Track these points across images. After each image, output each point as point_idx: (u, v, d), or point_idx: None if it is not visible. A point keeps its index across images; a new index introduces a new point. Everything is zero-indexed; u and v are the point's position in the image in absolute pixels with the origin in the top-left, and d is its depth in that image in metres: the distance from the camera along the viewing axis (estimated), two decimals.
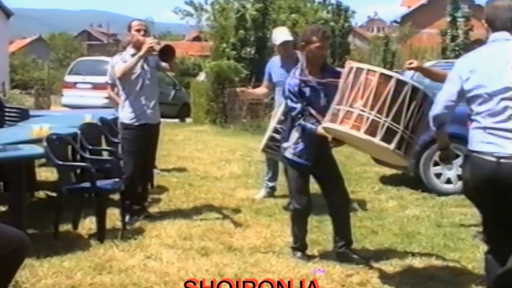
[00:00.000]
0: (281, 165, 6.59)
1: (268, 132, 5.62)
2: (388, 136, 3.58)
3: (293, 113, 4.35)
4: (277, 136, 5.51)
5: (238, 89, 7.05)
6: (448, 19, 22.97)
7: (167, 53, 5.27)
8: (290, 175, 4.58)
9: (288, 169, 4.60)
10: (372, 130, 3.57)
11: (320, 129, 4.13)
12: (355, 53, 23.71)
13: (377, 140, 3.56)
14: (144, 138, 5.51)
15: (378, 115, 3.57)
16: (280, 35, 6.43)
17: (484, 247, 4.95)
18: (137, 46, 5.45)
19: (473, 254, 4.82)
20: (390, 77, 3.66)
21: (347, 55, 19.87)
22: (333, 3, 20.36)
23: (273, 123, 5.62)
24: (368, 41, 36.84)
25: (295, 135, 4.44)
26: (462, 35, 22.12)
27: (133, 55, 5.43)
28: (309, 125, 4.27)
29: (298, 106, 4.30)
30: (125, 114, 5.48)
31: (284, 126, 4.70)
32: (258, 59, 16.15)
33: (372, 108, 3.58)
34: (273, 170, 6.69)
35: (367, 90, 3.62)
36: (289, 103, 4.38)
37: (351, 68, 3.79)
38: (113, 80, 5.68)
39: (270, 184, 6.71)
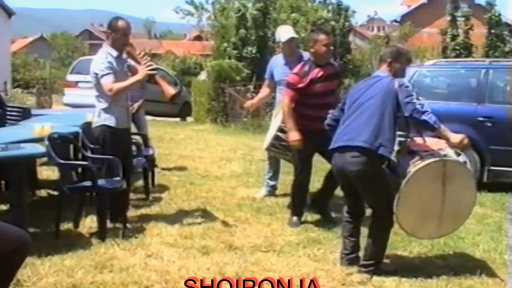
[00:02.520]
0: (282, 164, 6.62)
1: (273, 131, 5.63)
2: None
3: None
4: (283, 136, 5.53)
5: (244, 104, 7.08)
6: (448, 18, 22.96)
7: (174, 98, 5.39)
8: (391, 183, 4.22)
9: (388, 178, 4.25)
10: None
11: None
12: (356, 53, 23.70)
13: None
14: (125, 141, 5.48)
15: None
16: (285, 32, 6.48)
17: (484, 246, 4.99)
18: (119, 48, 5.25)
19: (473, 253, 4.84)
20: None
21: (348, 54, 19.86)
22: (334, 2, 20.38)
23: (278, 122, 5.64)
24: (368, 40, 36.79)
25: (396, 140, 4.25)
26: (462, 35, 22.11)
27: (116, 57, 5.22)
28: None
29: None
30: (109, 117, 5.26)
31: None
32: (259, 58, 16.17)
33: None
34: (275, 169, 6.69)
35: None
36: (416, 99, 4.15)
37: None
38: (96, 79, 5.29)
39: (271, 183, 6.71)
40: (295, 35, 6.45)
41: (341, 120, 4.40)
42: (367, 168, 4.11)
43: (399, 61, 4.39)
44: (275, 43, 6.64)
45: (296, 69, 5.40)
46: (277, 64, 6.52)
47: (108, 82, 5.11)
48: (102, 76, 5.12)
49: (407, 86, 4.21)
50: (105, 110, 5.26)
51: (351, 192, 4.35)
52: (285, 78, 6.38)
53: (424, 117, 4.10)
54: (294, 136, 5.22)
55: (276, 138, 5.60)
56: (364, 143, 4.09)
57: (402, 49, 4.57)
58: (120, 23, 5.23)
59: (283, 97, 5.50)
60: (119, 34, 5.21)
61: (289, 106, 5.26)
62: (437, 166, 4.14)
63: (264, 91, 6.77)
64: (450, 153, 4.31)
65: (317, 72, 5.26)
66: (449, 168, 4.17)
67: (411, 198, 4.12)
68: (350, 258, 4.38)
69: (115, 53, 5.23)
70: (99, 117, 5.28)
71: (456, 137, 4.24)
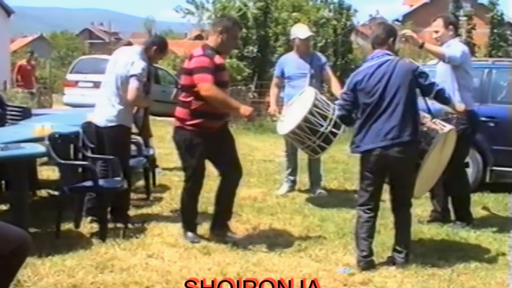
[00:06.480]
0: (301, 159, 6.84)
1: (296, 120, 5.63)
2: None
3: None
4: (312, 119, 5.57)
5: (269, 111, 6.99)
6: None
7: None
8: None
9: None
10: None
11: None
12: (358, 52, 23.64)
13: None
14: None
15: None
16: (303, 30, 6.73)
17: (486, 247, 4.97)
18: (148, 61, 5.37)
19: (475, 253, 4.82)
20: None
21: (349, 53, 19.81)
22: (335, 1, 20.28)
23: (299, 111, 5.64)
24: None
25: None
26: (464, 34, 22.13)
27: (143, 68, 5.22)
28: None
29: None
30: (126, 118, 5.33)
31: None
32: (260, 58, 16.16)
33: None
34: (293, 165, 6.88)
35: None
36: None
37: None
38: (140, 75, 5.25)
39: (291, 178, 6.90)
40: (312, 33, 6.84)
41: (370, 114, 4.30)
42: (412, 152, 4.33)
43: (395, 38, 4.66)
44: (289, 40, 6.73)
45: (200, 52, 4.74)
46: (289, 60, 6.71)
47: (138, 88, 5.19)
48: (140, 80, 5.18)
49: (418, 67, 4.47)
50: (122, 111, 5.27)
51: (380, 180, 4.40)
52: (299, 73, 6.47)
53: (446, 94, 4.66)
54: (246, 109, 4.82)
55: (299, 127, 5.60)
56: (410, 136, 4.28)
57: (394, 25, 4.97)
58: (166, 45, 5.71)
59: (205, 83, 4.63)
60: (167, 51, 5.80)
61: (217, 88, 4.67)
62: (451, 133, 4.66)
63: (274, 90, 6.87)
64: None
65: (218, 59, 4.79)
66: (449, 135, 4.63)
67: (426, 165, 4.45)
68: (369, 261, 4.34)
69: (144, 65, 5.26)
70: (117, 117, 5.25)
71: (460, 106, 5.23)
